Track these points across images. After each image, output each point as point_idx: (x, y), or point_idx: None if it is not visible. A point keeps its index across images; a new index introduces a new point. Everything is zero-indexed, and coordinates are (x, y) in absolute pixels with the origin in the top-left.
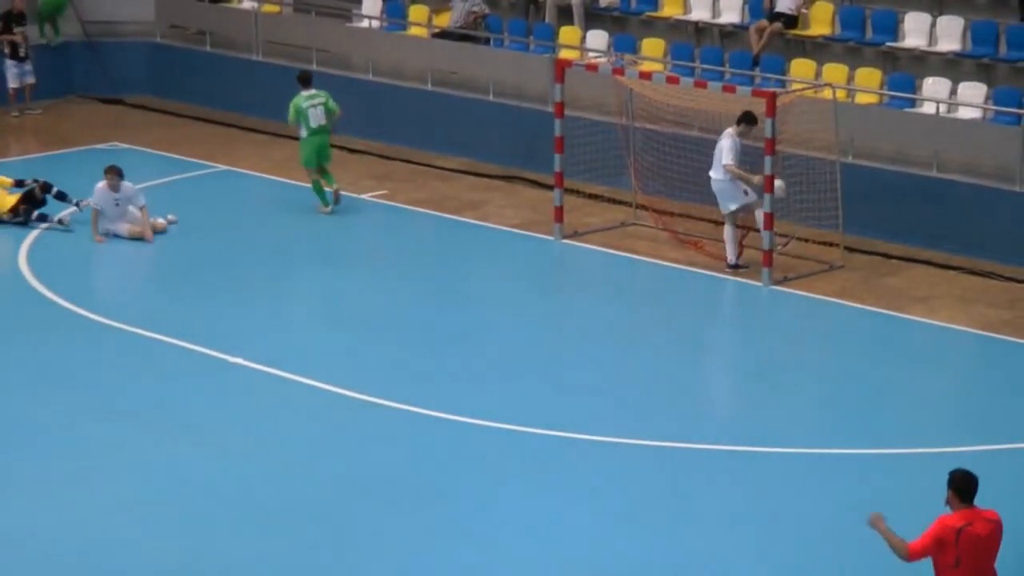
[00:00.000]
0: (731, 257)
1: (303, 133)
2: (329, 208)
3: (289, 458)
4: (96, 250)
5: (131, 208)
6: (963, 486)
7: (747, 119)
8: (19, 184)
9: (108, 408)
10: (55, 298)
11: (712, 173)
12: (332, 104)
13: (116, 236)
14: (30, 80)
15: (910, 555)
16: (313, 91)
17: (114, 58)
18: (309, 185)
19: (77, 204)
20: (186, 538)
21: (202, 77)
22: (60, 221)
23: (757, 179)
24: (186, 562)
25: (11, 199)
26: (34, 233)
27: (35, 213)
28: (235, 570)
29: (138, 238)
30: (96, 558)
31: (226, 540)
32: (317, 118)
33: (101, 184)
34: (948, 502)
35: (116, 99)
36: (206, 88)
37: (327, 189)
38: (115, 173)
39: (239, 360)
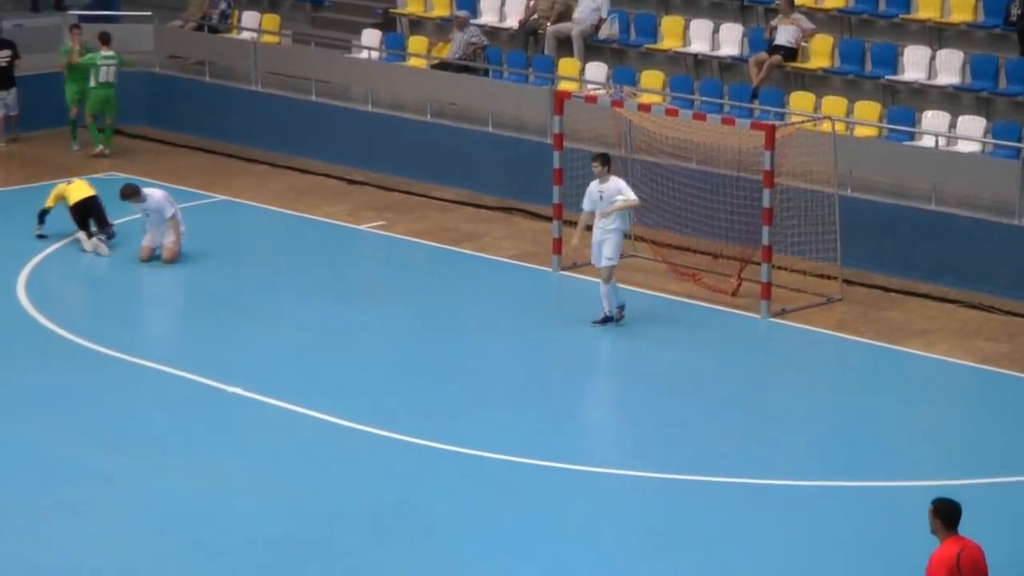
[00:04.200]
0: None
1: (91, 83)
2: (101, 149)
3: (286, 488)
4: (94, 278)
5: (163, 219)
6: (949, 514)
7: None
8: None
9: (105, 437)
10: (52, 326)
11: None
12: (124, 60)
13: (157, 252)
14: (12, 111)
15: None
16: (111, 52)
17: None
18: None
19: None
20: (183, 569)
21: (201, 107)
22: (101, 240)
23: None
24: None
25: (82, 193)
26: (33, 260)
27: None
28: None
29: (156, 257)
30: None
31: (222, 571)
32: (108, 75)
33: (137, 200)
34: (934, 531)
35: (117, 129)
36: (205, 118)
37: (100, 149)
38: (130, 193)
39: (236, 389)
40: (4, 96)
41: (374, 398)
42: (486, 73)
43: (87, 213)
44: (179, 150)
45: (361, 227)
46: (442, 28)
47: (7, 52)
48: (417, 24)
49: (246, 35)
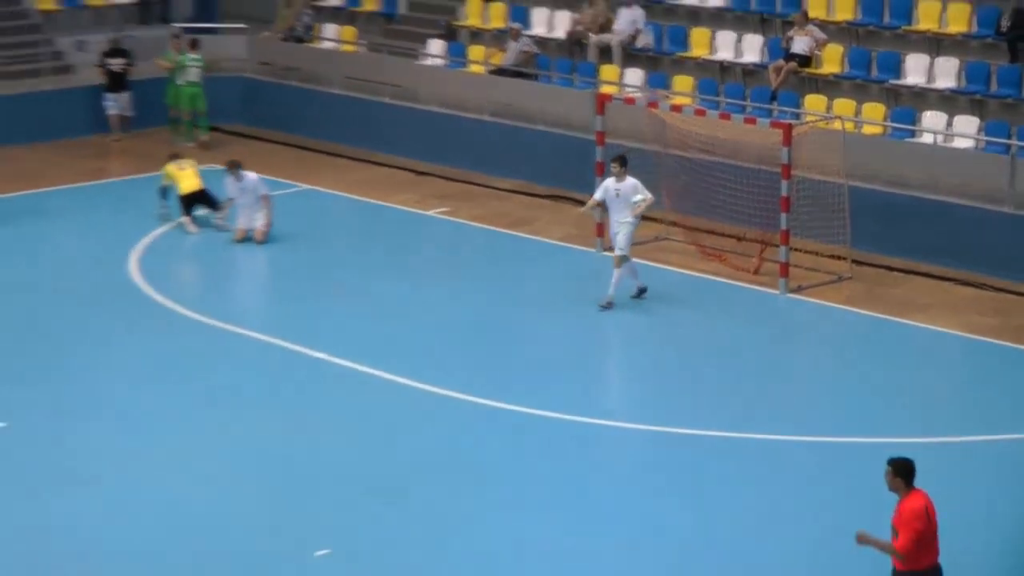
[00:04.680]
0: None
1: (179, 82)
2: (202, 139)
3: (361, 440)
4: (196, 256)
5: (257, 199)
6: (908, 470)
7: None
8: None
9: (203, 396)
10: (160, 298)
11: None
12: (207, 64)
13: (250, 234)
14: (124, 112)
15: (905, 551)
16: (198, 56)
17: (214, 91)
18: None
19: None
20: (265, 509)
21: (288, 108)
22: (219, 219)
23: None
24: (264, 530)
25: (192, 186)
26: (144, 241)
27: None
28: (311, 538)
29: (249, 238)
30: (191, 525)
31: (303, 512)
32: (194, 76)
33: (230, 178)
34: (893, 488)
35: (214, 127)
36: (292, 117)
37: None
38: (232, 165)
39: (322, 355)
40: (119, 98)
41: (439, 362)
42: (536, 78)
43: (195, 201)
44: (269, 145)
45: (428, 213)
46: (498, 38)
47: (122, 59)
48: (476, 35)
49: (327, 44)
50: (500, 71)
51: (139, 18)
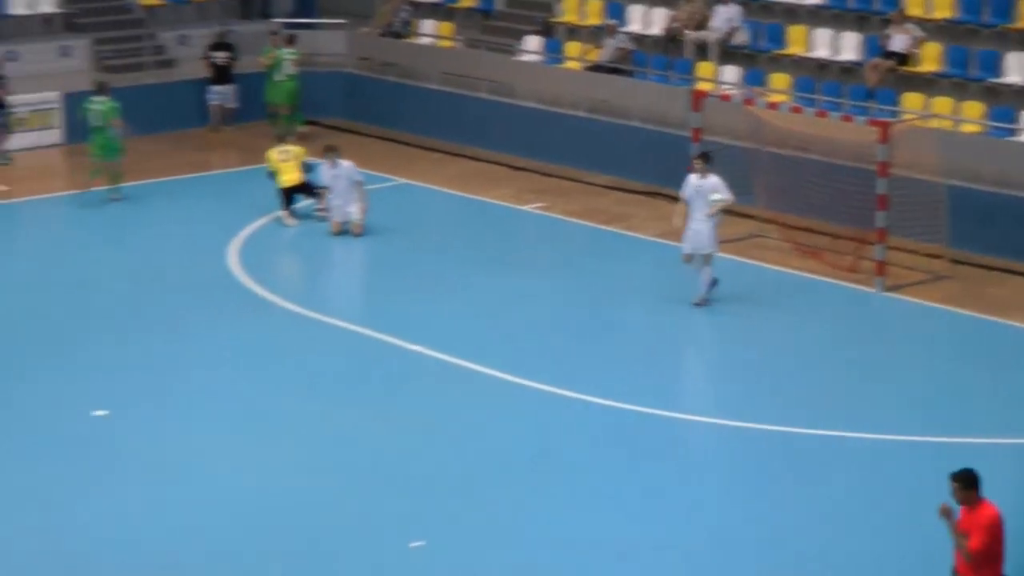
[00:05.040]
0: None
1: (276, 77)
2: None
3: (454, 433)
4: (293, 248)
5: (352, 185)
6: (977, 481)
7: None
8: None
9: (297, 385)
10: (258, 289)
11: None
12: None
13: (346, 227)
14: (229, 104)
15: (976, 553)
16: (294, 50)
17: (314, 85)
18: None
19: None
20: (361, 499)
21: (386, 102)
22: (319, 208)
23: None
24: (360, 520)
25: (292, 179)
26: (243, 232)
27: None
28: (406, 530)
29: (345, 232)
30: (287, 514)
31: (395, 502)
32: (290, 68)
33: (325, 164)
34: (965, 501)
35: (313, 121)
36: (389, 112)
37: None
38: (330, 150)
39: (417, 347)
40: (223, 91)
41: (530, 356)
42: (632, 74)
43: (295, 193)
44: (367, 139)
45: (523, 208)
46: (595, 35)
47: (225, 53)
48: (573, 31)
49: (425, 40)
50: (596, 67)
51: (240, 13)
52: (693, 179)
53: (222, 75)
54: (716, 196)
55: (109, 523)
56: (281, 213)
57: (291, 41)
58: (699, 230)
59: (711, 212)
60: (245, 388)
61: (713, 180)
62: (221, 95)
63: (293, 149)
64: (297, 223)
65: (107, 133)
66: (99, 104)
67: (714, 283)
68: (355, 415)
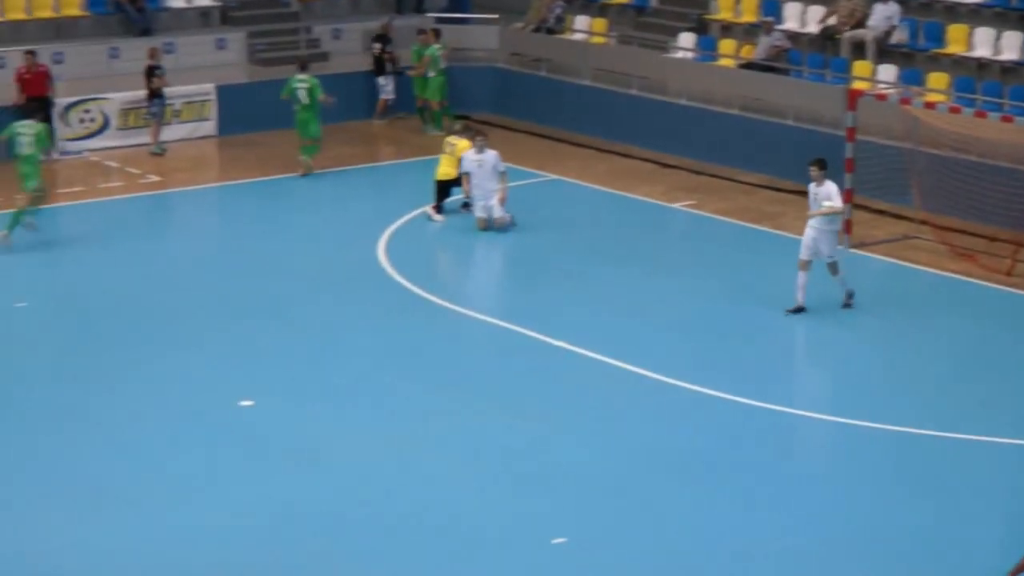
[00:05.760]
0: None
1: (431, 73)
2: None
3: (589, 430)
4: (441, 242)
5: (495, 175)
6: None
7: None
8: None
9: (440, 379)
10: (405, 283)
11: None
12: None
13: (490, 223)
14: (387, 96)
15: None
16: (440, 45)
17: (465, 80)
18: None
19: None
20: (503, 494)
21: (537, 98)
22: (464, 206)
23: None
24: (501, 514)
25: (447, 173)
26: (393, 226)
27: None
28: (548, 526)
29: (490, 227)
30: (429, 506)
31: (537, 498)
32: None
33: (470, 151)
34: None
35: (464, 115)
36: (540, 107)
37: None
38: (478, 133)
39: (562, 343)
40: (382, 83)
41: (676, 354)
42: (787, 73)
43: (448, 187)
44: (518, 135)
45: (673, 206)
46: (749, 32)
47: (379, 44)
48: (727, 28)
49: (578, 36)
50: (750, 65)
51: (395, 7)
52: (811, 188)
53: (379, 67)
54: (827, 203)
55: (248, 510)
56: (429, 209)
57: (437, 36)
58: (815, 237)
59: (812, 214)
60: (387, 383)
61: (828, 187)
62: (382, 88)
63: (459, 143)
64: (443, 219)
65: (310, 110)
66: (304, 82)
67: (850, 295)
68: (500, 411)
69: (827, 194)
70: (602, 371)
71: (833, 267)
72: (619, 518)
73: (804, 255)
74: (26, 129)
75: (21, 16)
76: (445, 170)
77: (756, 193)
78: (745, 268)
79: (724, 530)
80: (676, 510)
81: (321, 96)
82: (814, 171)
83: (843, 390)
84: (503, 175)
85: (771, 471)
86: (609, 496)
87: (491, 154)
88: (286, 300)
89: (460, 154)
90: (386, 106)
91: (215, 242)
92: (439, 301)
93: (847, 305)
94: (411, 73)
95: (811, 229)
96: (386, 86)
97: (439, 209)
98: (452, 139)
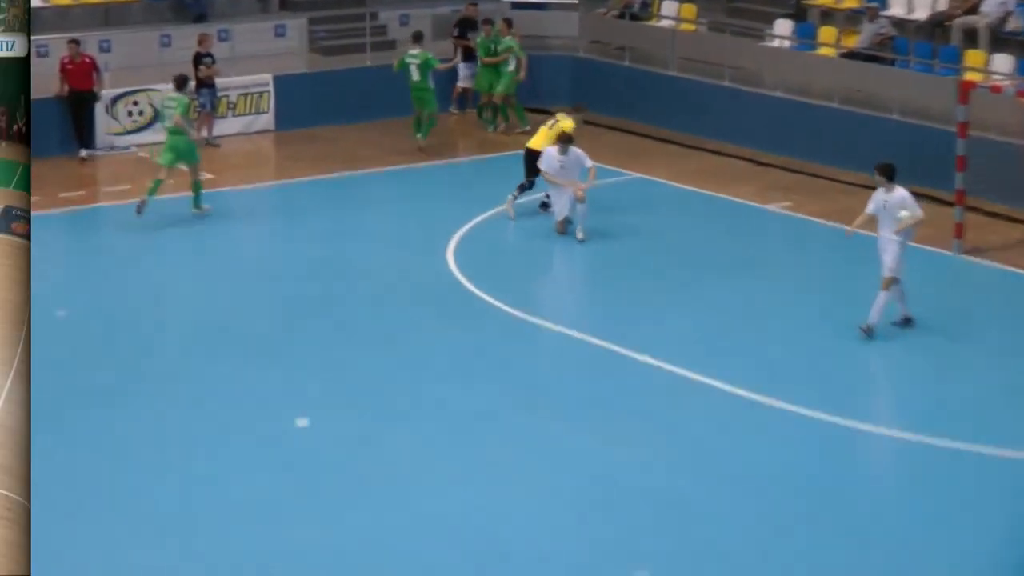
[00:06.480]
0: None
1: (510, 67)
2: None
3: (683, 452)
4: (515, 246)
5: (579, 171)
6: None
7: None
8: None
9: (518, 396)
10: (477, 291)
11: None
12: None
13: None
14: (466, 85)
15: None
16: (417, 51)
17: (541, 70)
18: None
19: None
20: (581, 519)
21: (619, 89)
22: (543, 205)
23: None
24: (579, 541)
25: (538, 143)
26: (465, 226)
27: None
28: (628, 556)
29: (567, 232)
30: (502, 532)
31: (617, 525)
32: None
33: (552, 148)
34: None
35: (541, 108)
36: (623, 100)
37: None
38: (565, 139)
39: (646, 358)
40: (466, 68)
41: (769, 369)
42: (893, 62)
43: (534, 164)
44: (598, 129)
45: (768, 207)
46: (852, 19)
47: (456, 30)
48: (827, 15)
49: (665, 23)
50: (852, 54)
51: None
52: (880, 194)
53: (467, 53)
54: (903, 213)
55: (302, 537)
56: (510, 196)
57: (509, 25)
58: (883, 248)
59: (898, 229)
60: (456, 397)
61: (900, 194)
62: (461, 72)
63: (562, 122)
64: (516, 200)
65: (423, 86)
66: (415, 57)
67: (907, 321)
68: (578, 430)
69: (901, 202)
70: (691, 388)
71: (889, 283)
72: (707, 551)
73: (885, 272)
74: (171, 102)
75: (67, 1)
76: (536, 140)
77: (856, 193)
78: (845, 275)
79: (839, 570)
80: (763, 540)
81: (437, 66)
82: (880, 178)
83: (962, 412)
84: (592, 170)
85: (890, 505)
86: (697, 526)
87: (576, 153)
88: (359, 312)
89: (559, 132)
90: (461, 94)
91: (267, 247)
92: (512, 311)
93: (868, 331)
94: (485, 61)
95: (882, 239)
96: (466, 71)
97: (523, 188)
98: (561, 114)
